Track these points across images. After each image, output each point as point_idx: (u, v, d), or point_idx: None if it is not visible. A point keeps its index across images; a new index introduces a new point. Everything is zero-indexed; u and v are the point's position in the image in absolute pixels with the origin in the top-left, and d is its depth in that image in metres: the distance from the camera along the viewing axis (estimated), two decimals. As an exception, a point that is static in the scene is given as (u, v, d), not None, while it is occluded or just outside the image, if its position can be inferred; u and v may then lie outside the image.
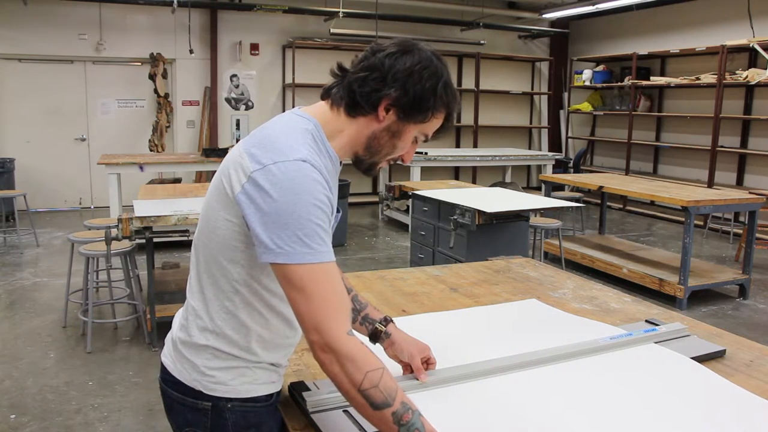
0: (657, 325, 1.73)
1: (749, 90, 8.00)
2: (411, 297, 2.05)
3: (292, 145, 1.13)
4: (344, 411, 1.24)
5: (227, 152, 1.32)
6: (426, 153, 7.80)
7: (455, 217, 4.22)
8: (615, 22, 10.01)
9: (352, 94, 1.20)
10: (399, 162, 1.31)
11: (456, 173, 10.36)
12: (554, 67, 10.92)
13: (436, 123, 1.25)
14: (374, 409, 1.07)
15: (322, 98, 1.26)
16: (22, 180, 8.05)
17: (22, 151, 8.31)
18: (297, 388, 1.32)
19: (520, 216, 4.36)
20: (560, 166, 9.66)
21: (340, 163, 1.27)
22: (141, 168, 6.22)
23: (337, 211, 1.24)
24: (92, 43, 8.48)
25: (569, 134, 10.91)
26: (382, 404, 1.06)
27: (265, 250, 1.09)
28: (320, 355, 1.09)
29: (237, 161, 1.15)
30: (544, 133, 11.21)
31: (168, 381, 1.28)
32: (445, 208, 4.48)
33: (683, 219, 5.01)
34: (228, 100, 9.27)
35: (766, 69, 7.37)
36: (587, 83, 10.13)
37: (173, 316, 1.36)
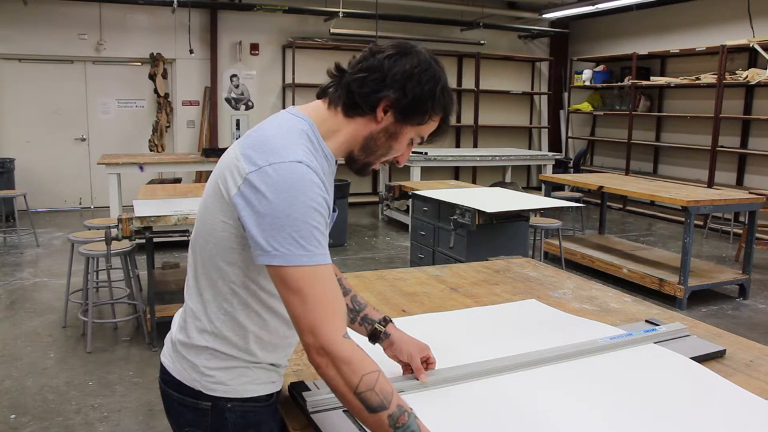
0: (657, 325, 1.73)
1: (749, 90, 8.00)
2: (411, 297, 2.05)
3: (288, 146, 1.13)
4: (344, 411, 1.24)
5: (227, 152, 1.31)
6: (426, 153, 7.80)
7: (455, 217, 4.22)
8: (615, 22, 10.01)
9: (350, 95, 1.19)
10: (394, 163, 1.31)
11: (456, 173, 10.36)
12: (554, 67, 10.92)
13: (432, 125, 1.25)
14: (370, 412, 1.06)
15: (318, 97, 1.26)
16: (22, 180, 8.05)
17: (22, 151, 8.31)
18: (297, 388, 1.32)
19: (520, 216, 4.36)
20: (560, 166, 9.66)
21: (336, 162, 1.27)
22: (141, 168, 6.22)
23: (333, 211, 1.24)
24: (92, 43, 8.48)
25: (569, 134, 10.91)
26: (378, 407, 1.06)
27: (261, 251, 1.09)
28: (316, 358, 1.08)
29: (233, 163, 1.15)
30: (544, 133, 11.21)
31: (168, 381, 1.28)
32: (445, 208, 4.48)
33: (683, 219, 5.00)
34: (228, 100, 9.26)
35: (766, 69, 7.37)
36: (587, 83, 10.12)
37: (173, 316, 1.36)
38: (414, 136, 1.25)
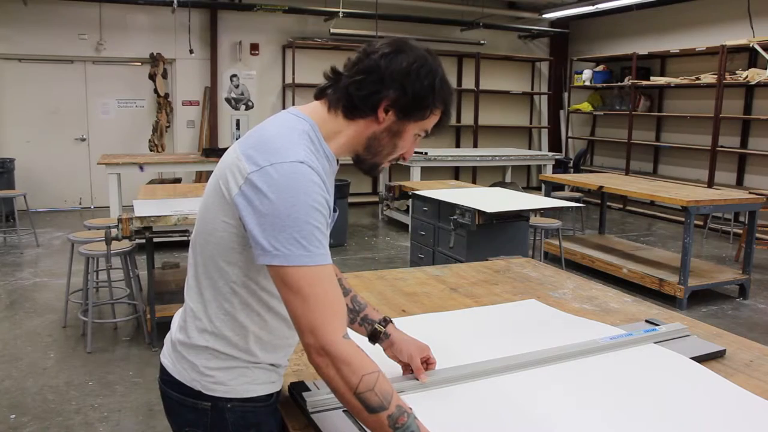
0: (657, 325, 1.73)
1: (749, 90, 8.00)
2: (411, 297, 2.05)
3: (289, 147, 1.12)
4: (344, 411, 1.23)
5: (227, 152, 1.31)
6: (426, 153, 7.80)
7: (455, 217, 4.22)
8: (615, 22, 10.01)
9: (349, 98, 1.19)
10: (401, 161, 1.31)
11: (456, 173, 10.36)
12: (554, 67, 10.92)
13: (434, 119, 1.25)
14: (370, 413, 1.06)
15: (316, 98, 1.26)
16: (22, 180, 8.05)
17: (22, 151, 8.31)
18: (297, 388, 1.32)
19: (520, 216, 4.36)
20: (560, 166, 9.66)
21: (337, 162, 1.26)
22: (141, 168, 6.22)
23: (334, 210, 1.24)
24: (92, 43, 8.48)
25: (569, 134, 10.91)
26: (378, 407, 1.06)
27: (262, 251, 1.09)
28: (316, 358, 1.08)
29: (234, 163, 1.15)
30: (544, 133, 11.21)
31: (167, 381, 1.28)
32: (445, 208, 4.47)
33: (683, 219, 5.00)
34: (228, 100, 9.26)
35: (766, 69, 7.37)
36: (587, 83, 10.12)
37: (173, 316, 1.35)
38: (418, 131, 1.25)
